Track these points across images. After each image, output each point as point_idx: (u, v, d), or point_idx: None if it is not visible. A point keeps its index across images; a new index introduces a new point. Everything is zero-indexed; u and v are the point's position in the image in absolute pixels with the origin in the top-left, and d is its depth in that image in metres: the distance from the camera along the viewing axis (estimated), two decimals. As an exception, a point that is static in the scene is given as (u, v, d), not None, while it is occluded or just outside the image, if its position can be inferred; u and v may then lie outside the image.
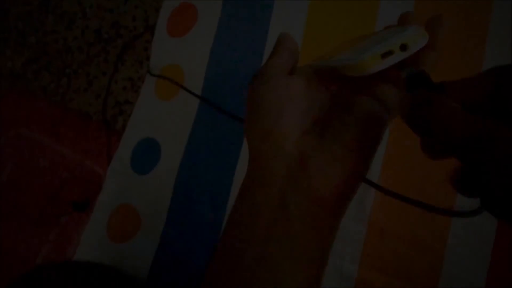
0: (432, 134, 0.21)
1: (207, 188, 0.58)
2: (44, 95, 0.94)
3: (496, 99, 0.22)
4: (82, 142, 0.91)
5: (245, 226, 0.27)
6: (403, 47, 0.26)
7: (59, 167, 0.89)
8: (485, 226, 0.48)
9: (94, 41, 0.94)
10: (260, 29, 0.61)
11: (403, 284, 0.48)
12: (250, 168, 0.29)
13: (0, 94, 0.98)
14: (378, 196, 0.49)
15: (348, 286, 0.48)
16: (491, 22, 0.51)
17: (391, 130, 0.50)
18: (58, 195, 0.88)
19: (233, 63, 0.61)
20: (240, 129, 0.58)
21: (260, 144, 0.28)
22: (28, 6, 1.01)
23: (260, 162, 0.28)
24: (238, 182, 0.57)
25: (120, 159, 0.64)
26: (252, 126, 0.29)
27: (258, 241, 0.26)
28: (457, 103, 0.21)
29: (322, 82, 0.30)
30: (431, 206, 0.27)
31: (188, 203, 0.58)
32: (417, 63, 0.27)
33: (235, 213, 0.29)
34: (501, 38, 0.51)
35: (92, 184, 0.87)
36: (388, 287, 0.47)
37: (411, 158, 0.49)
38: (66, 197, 0.88)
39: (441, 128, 0.20)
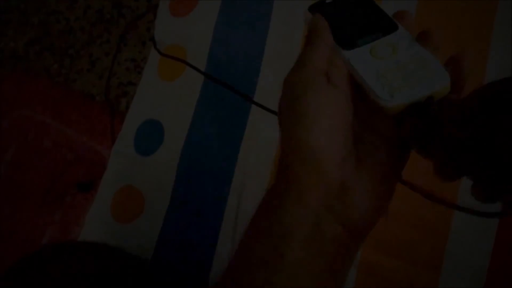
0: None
1: (210, 168, 0.58)
2: (47, 76, 0.93)
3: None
4: (86, 123, 0.91)
5: (274, 246, 0.26)
6: (429, 98, 0.28)
7: (63, 148, 0.89)
8: (490, 207, 0.47)
9: (96, 21, 0.93)
10: (263, 8, 0.60)
11: (407, 266, 0.49)
12: (282, 180, 0.28)
13: (3, 75, 0.98)
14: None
15: (351, 268, 0.48)
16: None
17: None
18: (62, 175, 0.88)
19: (236, 43, 0.61)
20: (243, 109, 0.58)
21: (296, 159, 0.27)
22: (29, -14, 1.00)
23: (294, 179, 0.27)
24: (241, 162, 0.57)
25: (123, 140, 0.64)
26: (287, 129, 0.28)
27: (288, 263, 0.26)
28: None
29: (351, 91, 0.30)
30: (455, 205, 0.28)
31: (192, 183, 0.58)
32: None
33: (261, 225, 0.28)
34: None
35: (96, 165, 0.88)
36: (391, 268, 0.47)
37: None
38: (71, 178, 0.88)
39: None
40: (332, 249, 0.26)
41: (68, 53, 0.93)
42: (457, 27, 0.52)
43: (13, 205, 0.92)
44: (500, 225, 0.47)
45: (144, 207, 0.60)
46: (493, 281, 0.47)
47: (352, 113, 0.29)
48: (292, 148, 0.27)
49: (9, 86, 0.99)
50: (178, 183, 0.59)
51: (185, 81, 0.61)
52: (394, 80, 0.29)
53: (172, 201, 0.59)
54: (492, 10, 0.51)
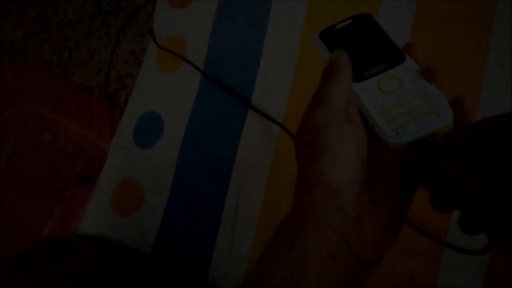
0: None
1: (210, 161, 0.58)
2: (46, 69, 0.93)
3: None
4: (85, 116, 0.91)
5: (291, 274, 0.27)
6: (433, 134, 0.29)
7: (63, 141, 0.89)
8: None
9: (95, 13, 0.92)
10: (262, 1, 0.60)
11: (407, 259, 0.49)
12: (300, 210, 0.29)
13: (2, 68, 0.97)
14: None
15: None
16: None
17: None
18: (62, 168, 0.88)
19: (236, 34, 0.60)
20: (242, 104, 0.57)
21: (317, 192, 0.28)
22: (27, -22, 1.00)
23: (314, 210, 0.28)
24: (240, 156, 0.57)
25: (123, 133, 0.64)
26: (308, 162, 0.29)
27: (307, 284, 0.27)
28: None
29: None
30: (447, 242, 0.35)
31: (191, 177, 0.58)
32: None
33: (279, 251, 0.29)
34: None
35: (96, 158, 0.87)
36: (391, 262, 0.47)
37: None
38: (71, 170, 0.88)
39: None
40: (345, 279, 0.27)
41: (67, 46, 0.93)
42: (458, 27, 0.52)
43: (13, 197, 0.92)
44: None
45: (144, 200, 0.60)
46: (493, 274, 0.47)
47: (366, 151, 0.30)
48: (314, 181, 0.28)
49: (8, 79, 0.98)
50: (178, 175, 0.59)
51: (185, 73, 0.61)
52: (399, 116, 0.30)
53: (172, 194, 0.59)
54: (491, 11, 0.50)
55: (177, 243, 0.58)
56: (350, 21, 0.36)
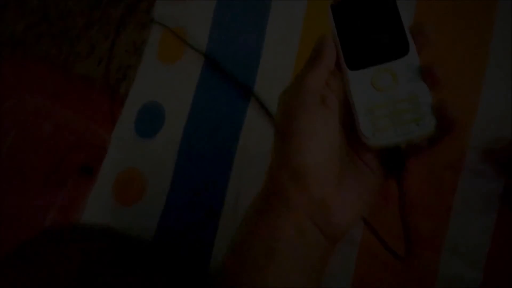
0: None
1: (211, 150, 0.58)
2: (46, 60, 0.93)
3: None
4: (86, 107, 0.91)
5: (266, 248, 0.30)
6: (410, 140, 0.31)
7: (64, 132, 0.89)
8: (492, 188, 0.47)
9: (95, 4, 0.92)
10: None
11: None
12: (271, 188, 0.32)
13: (2, 60, 0.97)
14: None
15: (352, 249, 0.49)
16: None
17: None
18: (64, 159, 0.88)
19: (237, 24, 0.60)
20: (244, 94, 0.57)
21: (285, 173, 0.30)
22: (27, -32, 0.99)
23: (282, 191, 0.30)
24: (242, 144, 0.57)
25: (124, 124, 0.64)
26: (280, 145, 0.31)
27: (279, 262, 0.29)
28: None
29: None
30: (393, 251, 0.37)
31: (192, 167, 0.58)
32: None
33: (251, 229, 0.32)
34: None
35: (97, 149, 0.88)
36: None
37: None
38: (72, 161, 0.88)
39: None
40: (315, 252, 0.31)
41: (67, 37, 0.93)
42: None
43: (15, 188, 0.93)
44: (502, 208, 0.47)
45: (146, 190, 0.60)
46: (493, 263, 0.47)
47: (341, 135, 0.32)
48: (282, 163, 0.31)
49: (9, 71, 0.98)
50: (180, 165, 0.59)
51: (186, 63, 0.61)
52: (381, 118, 0.31)
53: (174, 183, 0.59)
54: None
55: (178, 232, 0.58)
56: None
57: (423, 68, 0.31)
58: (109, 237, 0.55)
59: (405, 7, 0.49)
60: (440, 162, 0.48)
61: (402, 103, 0.31)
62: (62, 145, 0.89)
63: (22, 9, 0.99)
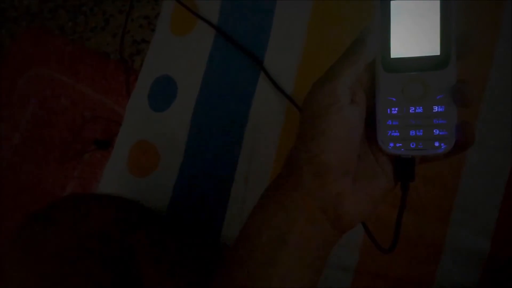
0: None
1: (223, 123, 0.59)
2: (62, 34, 0.94)
3: None
4: (101, 82, 0.92)
5: (279, 230, 0.32)
6: (425, 156, 0.32)
7: (80, 105, 0.91)
8: (500, 161, 0.47)
9: (109, -22, 0.92)
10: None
11: (416, 218, 0.49)
12: (289, 178, 0.33)
13: (18, 33, 0.99)
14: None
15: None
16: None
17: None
18: (80, 133, 0.90)
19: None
20: (254, 65, 0.57)
21: (305, 167, 0.31)
22: None
23: (300, 184, 0.32)
24: (253, 115, 0.57)
25: (137, 97, 0.65)
26: (304, 139, 0.32)
27: (290, 244, 0.31)
28: None
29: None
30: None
31: (204, 138, 0.59)
32: None
33: (268, 209, 0.33)
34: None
35: (112, 123, 0.89)
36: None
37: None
38: (89, 135, 0.90)
39: None
40: (321, 241, 0.32)
41: (82, 11, 0.93)
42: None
43: (34, 161, 0.95)
44: (510, 179, 0.47)
45: (159, 162, 0.61)
46: (501, 233, 0.48)
47: (362, 133, 0.32)
48: (304, 158, 0.31)
49: (25, 44, 1.00)
50: (192, 137, 0.60)
51: (197, 36, 0.61)
52: (403, 128, 0.31)
53: (186, 156, 0.60)
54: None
55: (191, 203, 0.60)
56: None
57: (457, 86, 0.30)
58: (123, 206, 0.57)
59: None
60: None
61: (427, 120, 0.30)
62: (79, 119, 0.91)
63: (38, -17, 0.99)
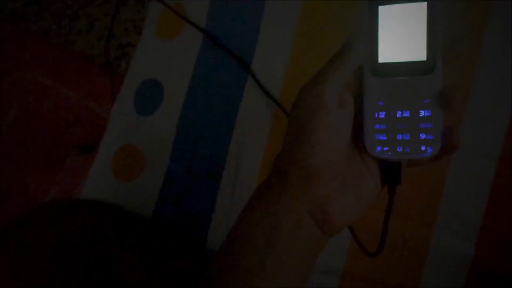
0: None
1: (210, 127, 0.58)
2: (46, 37, 0.93)
3: None
4: (86, 85, 0.91)
5: (266, 235, 0.32)
6: (412, 160, 0.32)
7: (64, 109, 0.89)
8: (484, 165, 0.48)
9: (95, -19, 0.91)
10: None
11: (400, 222, 0.50)
12: (277, 182, 0.33)
13: (2, 36, 0.97)
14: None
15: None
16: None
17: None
18: (63, 137, 0.88)
19: (236, 1, 0.60)
20: (242, 70, 0.57)
21: (293, 171, 0.31)
22: None
23: (288, 186, 0.32)
24: (241, 120, 0.57)
25: (123, 100, 0.64)
26: (291, 145, 0.32)
27: (277, 249, 0.31)
28: None
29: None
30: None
31: (191, 143, 0.59)
32: None
33: (252, 218, 0.33)
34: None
35: (97, 127, 0.88)
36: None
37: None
38: (72, 139, 0.89)
39: None
40: (309, 245, 0.32)
41: (67, 14, 0.92)
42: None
43: (16, 165, 0.93)
44: (494, 184, 0.48)
45: (144, 166, 0.61)
46: (486, 237, 0.48)
47: (350, 137, 0.32)
48: (292, 161, 0.31)
49: (9, 47, 0.98)
50: (178, 141, 0.59)
51: (184, 40, 0.60)
52: (390, 132, 0.31)
53: (172, 160, 0.59)
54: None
55: (177, 207, 0.59)
56: None
57: (443, 91, 0.30)
58: (108, 211, 0.56)
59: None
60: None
61: (414, 124, 0.31)
62: (62, 123, 0.89)
63: (22, -15, 0.98)
